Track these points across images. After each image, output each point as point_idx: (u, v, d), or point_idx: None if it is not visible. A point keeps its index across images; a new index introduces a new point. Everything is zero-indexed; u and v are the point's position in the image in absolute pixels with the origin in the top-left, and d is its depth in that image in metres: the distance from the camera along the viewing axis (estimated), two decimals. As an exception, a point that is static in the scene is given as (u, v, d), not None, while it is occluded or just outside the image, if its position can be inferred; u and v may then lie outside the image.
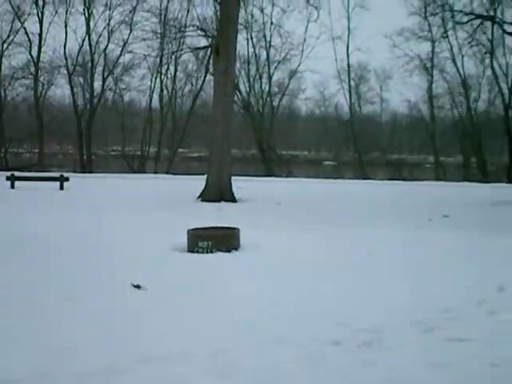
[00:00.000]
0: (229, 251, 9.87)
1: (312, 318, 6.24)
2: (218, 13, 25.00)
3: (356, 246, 10.55)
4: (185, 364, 4.92)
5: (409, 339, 5.62)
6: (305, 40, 43.94)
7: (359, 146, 45.33)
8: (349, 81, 46.44)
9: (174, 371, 4.76)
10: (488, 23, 34.33)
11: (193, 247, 10.01)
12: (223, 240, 10.10)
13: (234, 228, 10.63)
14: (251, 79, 45.00)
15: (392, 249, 10.36)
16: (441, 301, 6.93)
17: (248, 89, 44.74)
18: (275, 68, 46.09)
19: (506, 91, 40.98)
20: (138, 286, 7.44)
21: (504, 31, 27.89)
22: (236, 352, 5.20)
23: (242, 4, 29.02)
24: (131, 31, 41.78)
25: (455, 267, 8.88)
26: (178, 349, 5.23)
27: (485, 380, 4.71)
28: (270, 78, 46.05)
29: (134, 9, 41.11)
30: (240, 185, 21.06)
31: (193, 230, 10.45)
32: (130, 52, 42.59)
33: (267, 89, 46.30)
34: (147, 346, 5.28)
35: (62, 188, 23.21)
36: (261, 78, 45.59)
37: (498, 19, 30.70)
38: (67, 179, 23.84)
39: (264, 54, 45.24)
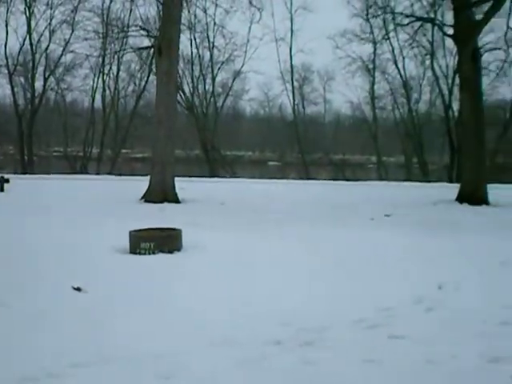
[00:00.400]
0: (171, 252, 9.80)
1: (254, 318, 6.24)
2: (161, 13, 24.83)
3: (299, 245, 10.61)
4: (124, 366, 4.86)
5: (350, 337, 5.68)
6: (248, 41, 44.01)
7: (303, 146, 45.57)
8: (292, 82, 46.69)
9: (115, 374, 4.71)
10: (428, 25, 34.88)
11: (135, 249, 9.90)
12: (165, 241, 10.02)
13: (176, 229, 10.57)
14: (195, 80, 44.87)
15: (334, 247, 10.46)
16: (381, 299, 7.01)
17: (192, 89, 44.62)
18: (219, 69, 46.04)
19: (446, 92, 41.69)
20: (78, 289, 7.34)
21: (444, 33, 28.34)
22: (177, 354, 5.17)
23: (184, 4, 28.94)
24: (73, 31, 41.21)
25: (395, 266, 9.01)
26: (119, 351, 5.17)
27: (422, 376, 4.79)
28: (213, 78, 45.99)
29: (76, 8, 40.53)
30: (184, 185, 20.95)
31: (135, 231, 10.33)
32: (72, 52, 42.02)
33: (211, 89, 46.24)
34: (87, 349, 5.21)
35: (2, 190, 22.74)
36: (204, 78, 45.50)
37: (438, 21, 31.17)
38: (7, 181, 23.36)
39: (207, 55, 45.18)
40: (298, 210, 17.02)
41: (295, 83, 48.69)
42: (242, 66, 45.68)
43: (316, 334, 5.74)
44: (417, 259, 9.56)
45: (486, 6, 21.77)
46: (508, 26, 23.75)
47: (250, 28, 42.63)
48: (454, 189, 21.02)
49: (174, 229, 10.66)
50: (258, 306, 6.70)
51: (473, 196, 19.34)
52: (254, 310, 6.51)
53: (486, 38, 34.89)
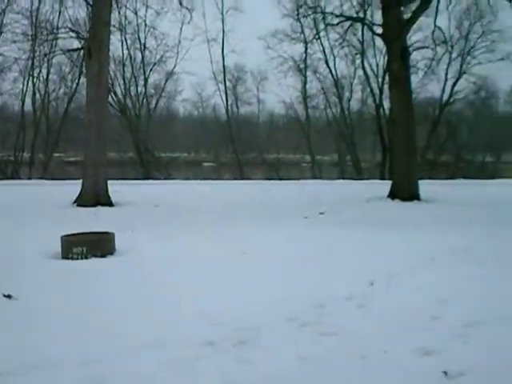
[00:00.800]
0: (104, 256, 9.66)
1: (186, 319, 6.19)
2: (91, 14, 24.47)
3: (233, 245, 10.59)
4: (55, 373, 4.77)
5: (284, 335, 5.69)
6: (180, 42, 43.69)
7: (237, 146, 45.60)
8: (224, 82, 46.70)
9: (43, 381, 4.61)
10: (358, 25, 35.40)
11: (67, 254, 9.73)
12: (98, 245, 9.87)
13: (109, 232, 10.43)
14: (127, 81, 44.44)
15: (267, 246, 10.50)
16: (314, 296, 7.04)
17: (124, 91, 44.14)
18: (151, 70, 45.63)
19: (377, 91, 42.34)
20: (8, 296, 7.16)
21: (373, 33, 28.73)
22: (108, 360, 5.09)
23: (115, 6, 28.63)
24: (1, 33, 40.25)
25: (328, 263, 9.08)
26: (49, 358, 5.07)
27: (354, 372, 4.82)
28: (145, 79, 45.57)
29: (4, 11, 39.61)
30: (117, 188, 20.71)
31: (66, 235, 10.16)
32: (1, 55, 41.07)
33: (143, 91, 45.88)
34: (17, 357, 5.09)
35: None
36: (136, 80, 45.10)
37: (367, 21, 31.63)
38: None
39: (139, 56, 44.77)
40: (232, 211, 17.01)
41: (228, 84, 48.79)
42: (174, 67, 45.45)
43: (250, 333, 5.72)
44: (349, 256, 9.66)
45: (414, 6, 22.18)
46: (435, 25, 24.17)
47: (181, 29, 42.35)
48: (386, 186, 21.32)
49: (106, 232, 10.51)
50: (190, 307, 6.64)
51: (404, 192, 19.67)
52: (187, 312, 6.45)
53: (414, 36, 35.69)
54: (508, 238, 11.69)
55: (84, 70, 33.56)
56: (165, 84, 47.42)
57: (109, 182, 19.71)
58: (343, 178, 35.46)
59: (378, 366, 4.93)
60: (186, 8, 29.05)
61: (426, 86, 42.86)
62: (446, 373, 4.74)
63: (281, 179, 35.30)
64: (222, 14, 43.44)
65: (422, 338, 5.55)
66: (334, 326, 5.94)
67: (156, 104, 48.34)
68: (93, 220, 14.74)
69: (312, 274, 8.40)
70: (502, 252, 10.06)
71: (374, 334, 5.69)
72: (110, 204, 18.73)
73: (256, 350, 5.30)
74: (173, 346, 5.41)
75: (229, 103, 47.81)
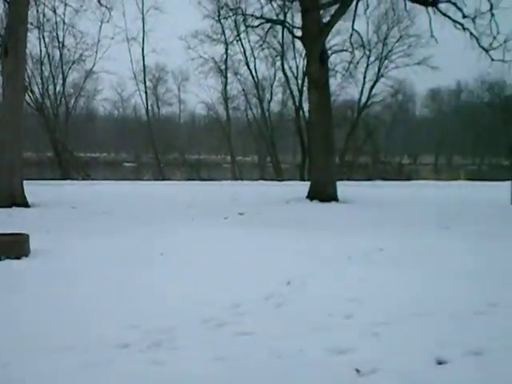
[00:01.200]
0: (18, 258, 9.45)
1: (100, 321, 6.13)
2: (7, 11, 23.88)
3: (150, 246, 10.55)
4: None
5: (199, 336, 5.69)
6: (99, 40, 43.17)
7: (158, 147, 45.34)
8: (145, 82, 46.39)
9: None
10: (279, 27, 35.62)
11: (-21, 255, 9.48)
12: (11, 247, 9.63)
13: (23, 234, 10.20)
14: (45, 80, 43.56)
15: (186, 247, 10.50)
16: (231, 296, 7.07)
17: (41, 90, 43.25)
18: (70, 69, 44.91)
19: (296, 93, 42.79)
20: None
21: (293, 35, 28.98)
22: (18, 363, 4.99)
23: (32, 3, 28.03)
24: None
25: (246, 263, 9.15)
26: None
27: (269, 370, 4.87)
28: (64, 78, 44.78)
29: None
30: (34, 189, 20.27)
31: (-21, 237, 9.90)
32: None
33: (62, 90, 45.05)
34: None
35: None
36: (54, 78, 44.24)
37: (287, 23, 31.89)
38: None
39: (57, 54, 43.94)
40: (151, 211, 16.88)
41: (149, 83, 48.52)
42: (93, 66, 44.85)
43: (165, 334, 5.70)
44: (267, 256, 9.75)
45: (332, 9, 22.50)
46: (353, 29, 24.53)
47: (100, 27, 41.85)
48: (305, 187, 21.54)
49: (20, 234, 10.28)
50: (105, 308, 6.59)
51: (322, 193, 19.94)
52: (101, 314, 6.39)
53: (333, 40, 36.31)
54: (422, 237, 12.01)
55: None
56: (84, 83, 46.81)
57: (25, 182, 19.26)
58: (264, 179, 35.66)
59: (293, 364, 4.98)
60: (105, 7, 28.62)
61: (345, 88, 43.64)
62: (358, 370, 4.85)
63: (202, 180, 35.28)
64: (143, 13, 43.18)
65: (336, 336, 5.65)
66: (250, 326, 5.97)
67: (75, 103, 47.65)
68: (7, 221, 14.39)
69: (230, 273, 8.44)
70: (416, 251, 10.33)
71: (289, 333, 5.75)
72: (25, 205, 18.29)
73: (170, 352, 5.28)
74: (85, 348, 5.34)
75: (149, 103, 47.66)
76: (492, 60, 22.24)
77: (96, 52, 43.71)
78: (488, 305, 6.80)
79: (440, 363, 5.06)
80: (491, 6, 21.13)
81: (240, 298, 6.99)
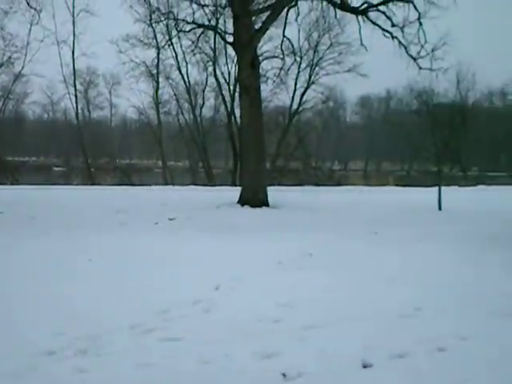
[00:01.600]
0: None
1: (24, 329, 6.01)
2: None
3: (77, 253, 10.41)
4: None
5: (126, 343, 5.64)
6: (28, 43, 42.31)
7: (88, 151, 44.76)
8: (75, 85, 45.71)
9: None
10: (211, 32, 35.59)
11: None
12: None
13: None
14: (-29, 83, 42.53)
15: (114, 253, 10.39)
16: (159, 302, 7.03)
17: (-32, 93, 42.22)
18: (-2, 71, 43.90)
19: (228, 99, 42.83)
20: None
21: (225, 41, 29.00)
22: None
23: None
24: None
25: (176, 268, 9.12)
26: None
27: (196, 377, 4.86)
28: (-8, 81, 43.83)
29: None
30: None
31: None
32: None
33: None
34: None
35: None
36: (-18, 81, 43.24)
37: (219, 29, 31.86)
38: None
39: (-15, 57, 42.90)
40: (79, 216, 16.62)
41: (80, 87, 47.85)
42: (22, 69, 43.95)
43: (91, 341, 5.63)
44: (197, 261, 9.73)
45: (264, 16, 22.62)
46: (284, 36, 24.74)
47: (30, 30, 41.04)
48: (237, 192, 21.55)
49: None
50: (29, 317, 6.46)
51: (253, 199, 19.98)
52: (23, 321, 6.27)
53: (265, 46, 36.47)
54: (350, 242, 12.17)
55: None
56: (12, 86, 45.81)
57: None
58: (195, 184, 35.54)
59: (219, 370, 4.99)
60: (34, 9, 28.24)
61: (277, 94, 43.85)
62: (284, 375, 4.88)
63: (132, 185, 34.93)
64: (73, 16, 42.55)
65: (263, 341, 5.67)
66: (178, 331, 5.95)
67: (3, 106, 46.59)
68: None
69: (158, 279, 8.39)
70: (345, 256, 10.48)
71: (217, 339, 5.75)
72: None
73: (96, 359, 5.22)
74: (7, 354, 5.23)
75: (80, 107, 46.93)
76: (420, 68, 22.72)
77: (25, 55, 42.86)
78: (413, 308, 6.93)
79: (365, 366, 5.13)
80: (419, 15, 21.60)
81: (168, 304, 6.94)
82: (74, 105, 45.66)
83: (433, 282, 8.51)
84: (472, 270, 9.36)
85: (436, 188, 20.88)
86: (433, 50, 22.38)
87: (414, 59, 22.42)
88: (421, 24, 21.76)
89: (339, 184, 38.79)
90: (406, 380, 4.85)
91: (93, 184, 36.61)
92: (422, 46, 22.15)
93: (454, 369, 5.06)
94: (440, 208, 20.01)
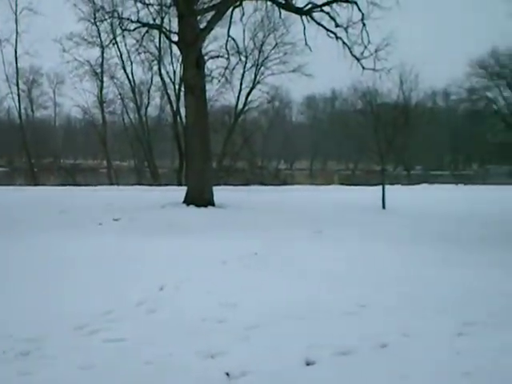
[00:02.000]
0: None
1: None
2: None
3: (15, 254, 10.28)
4: None
5: (69, 344, 5.60)
6: (-31, 42, 41.46)
7: (31, 151, 44.06)
8: (17, 85, 44.87)
9: None
10: (156, 31, 35.40)
11: None
12: None
13: None
14: None
15: (56, 255, 10.27)
16: (104, 303, 6.98)
17: None
18: None
19: (174, 98, 42.62)
20: None
21: (170, 40, 28.92)
22: None
23: None
24: None
25: (120, 269, 9.07)
26: None
27: (141, 377, 4.84)
28: None
29: None
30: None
31: None
32: None
33: None
34: None
35: None
36: None
37: (164, 29, 31.70)
38: None
39: None
40: (20, 217, 16.33)
41: (23, 86, 47.01)
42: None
43: (33, 343, 5.57)
44: (142, 261, 9.69)
45: (209, 15, 22.58)
46: (229, 35, 24.74)
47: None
48: (183, 192, 21.45)
49: None
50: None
51: (199, 198, 19.91)
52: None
53: (210, 46, 36.40)
54: (295, 241, 12.25)
55: None
56: None
57: None
58: (141, 184, 35.26)
59: (162, 370, 4.97)
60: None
61: (223, 94, 43.77)
62: (228, 374, 4.89)
63: (77, 185, 34.47)
64: (16, 14, 41.78)
65: (207, 340, 5.68)
66: (121, 332, 5.92)
67: None
68: None
69: (103, 280, 8.34)
70: (289, 255, 10.56)
71: (161, 339, 5.74)
72: None
73: (38, 361, 5.17)
74: None
75: (23, 106, 46.09)
76: (363, 68, 22.94)
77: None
78: (357, 306, 7.02)
79: (308, 364, 5.18)
80: (362, 16, 21.82)
81: (112, 305, 6.90)
82: (17, 104, 44.91)
83: (377, 280, 8.62)
84: (415, 268, 9.53)
85: (380, 187, 21.14)
86: (376, 51, 22.62)
87: (358, 59, 22.64)
88: (364, 25, 22.00)
89: (285, 183, 38.98)
90: (347, 376, 4.91)
91: (36, 184, 35.99)
92: (366, 47, 22.40)
93: (394, 365, 5.14)
94: (384, 207, 20.28)
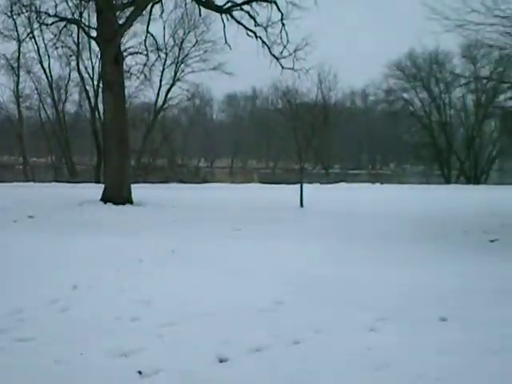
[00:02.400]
0: None
1: None
2: None
3: None
4: None
5: (-23, 345, 5.46)
6: None
7: None
8: None
9: None
10: (74, 26, 34.77)
11: None
12: None
13: None
14: None
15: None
16: (14, 302, 6.84)
17: None
18: None
19: (92, 94, 42.09)
20: None
21: (88, 35, 28.53)
22: None
23: None
24: None
25: (33, 267, 8.92)
26: None
27: (51, 377, 4.76)
28: None
29: None
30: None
31: None
32: None
33: None
34: None
35: None
36: None
37: (83, 23, 31.20)
38: None
39: None
40: None
41: None
42: None
43: None
44: (56, 260, 9.57)
45: (128, 11, 22.38)
46: (148, 32, 24.61)
47: None
48: (100, 189, 21.20)
49: None
50: None
51: (117, 196, 19.72)
52: None
53: (130, 42, 36.04)
54: (213, 239, 12.27)
55: None
56: None
57: None
58: (58, 181, 34.65)
59: (73, 369, 4.90)
60: None
61: (143, 91, 43.42)
62: (140, 372, 4.86)
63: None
64: None
65: (120, 339, 5.62)
66: (31, 332, 5.79)
67: None
68: None
69: (15, 278, 8.20)
70: (206, 252, 10.60)
71: (72, 338, 5.65)
72: None
73: None
74: None
75: None
76: (282, 68, 23.24)
77: None
78: (273, 302, 7.09)
79: (221, 361, 5.20)
80: (282, 15, 22.05)
81: (23, 304, 6.76)
82: None
83: (293, 277, 8.71)
84: (331, 266, 9.65)
85: (298, 185, 21.37)
86: (295, 51, 22.95)
87: (277, 59, 22.91)
88: (283, 25, 22.25)
89: (205, 181, 38.97)
90: (259, 372, 4.94)
91: None
92: (285, 46, 22.68)
93: (306, 361, 5.21)
94: (302, 205, 20.51)
